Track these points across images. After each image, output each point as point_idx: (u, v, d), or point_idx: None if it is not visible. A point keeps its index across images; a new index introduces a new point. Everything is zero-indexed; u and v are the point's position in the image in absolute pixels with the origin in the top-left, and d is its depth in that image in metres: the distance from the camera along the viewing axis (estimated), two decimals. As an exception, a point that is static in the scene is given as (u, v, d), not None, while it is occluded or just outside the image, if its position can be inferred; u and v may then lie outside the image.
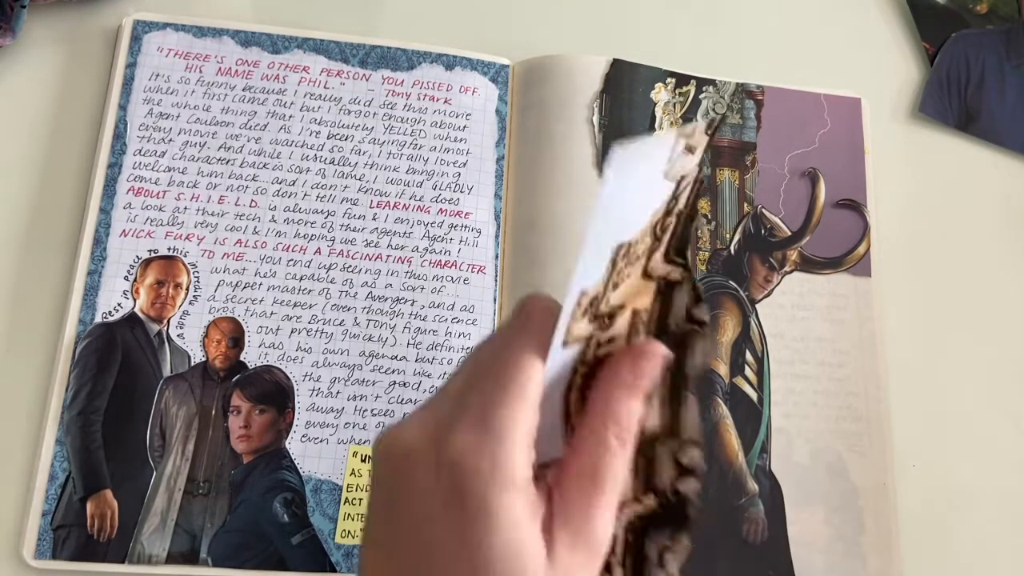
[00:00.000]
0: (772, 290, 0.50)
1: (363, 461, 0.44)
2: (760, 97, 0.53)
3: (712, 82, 0.53)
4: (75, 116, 0.48)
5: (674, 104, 0.52)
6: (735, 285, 0.49)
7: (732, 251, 0.50)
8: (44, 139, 0.47)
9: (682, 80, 0.52)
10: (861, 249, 0.51)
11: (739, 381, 0.47)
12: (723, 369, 0.47)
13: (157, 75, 0.48)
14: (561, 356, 0.31)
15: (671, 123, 0.51)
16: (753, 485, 0.45)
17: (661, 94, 0.52)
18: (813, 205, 0.51)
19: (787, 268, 0.50)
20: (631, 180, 0.31)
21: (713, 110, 0.52)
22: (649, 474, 0.33)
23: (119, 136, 0.47)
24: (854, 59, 0.56)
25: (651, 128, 0.51)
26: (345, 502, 0.43)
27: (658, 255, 0.32)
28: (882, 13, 0.58)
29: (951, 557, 0.46)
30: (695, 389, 0.32)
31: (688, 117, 0.52)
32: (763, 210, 0.51)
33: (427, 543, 0.24)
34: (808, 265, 0.50)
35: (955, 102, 0.55)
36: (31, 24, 0.49)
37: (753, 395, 0.47)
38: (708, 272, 0.49)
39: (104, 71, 0.49)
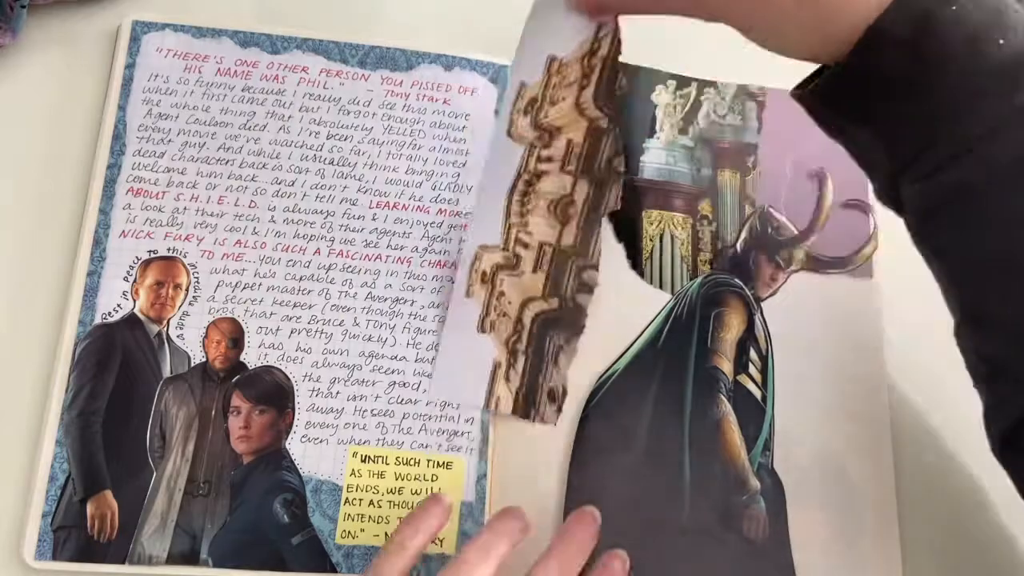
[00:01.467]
0: (778, 289, 0.49)
1: (363, 461, 0.44)
2: (761, 98, 0.53)
3: (713, 84, 0.53)
4: (74, 117, 0.48)
5: (675, 106, 0.52)
6: (740, 283, 0.49)
7: (738, 249, 0.50)
8: (43, 139, 0.47)
9: (683, 82, 0.52)
10: (868, 249, 0.51)
11: (743, 379, 0.47)
12: (727, 366, 0.47)
13: (156, 76, 0.48)
14: (508, 145, 0.43)
15: (672, 125, 0.51)
16: (755, 482, 0.45)
17: (662, 96, 0.52)
18: (820, 204, 0.51)
19: (794, 267, 0.50)
20: (555, 6, 0.40)
21: (714, 112, 0.52)
22: (556, 281, 0.44)
23: (118, 137, 0.47)
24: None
25: (652, 130, 0.51)
26: (345, 502, 0.43)
27: (588, 92, 0.41)
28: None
29: (952, 557, 0.46)
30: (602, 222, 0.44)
31: (689, 118, 0.52)
32: (770, 208, 0.51)
33: None
34: (815, 264, 0.50)
35: (955, 101, 0.55)
36: (31, 24, 0.49)
37: (757, 393, 0.47)
38: (713, 270, 0.49)
39: (103, 72, 0.49)
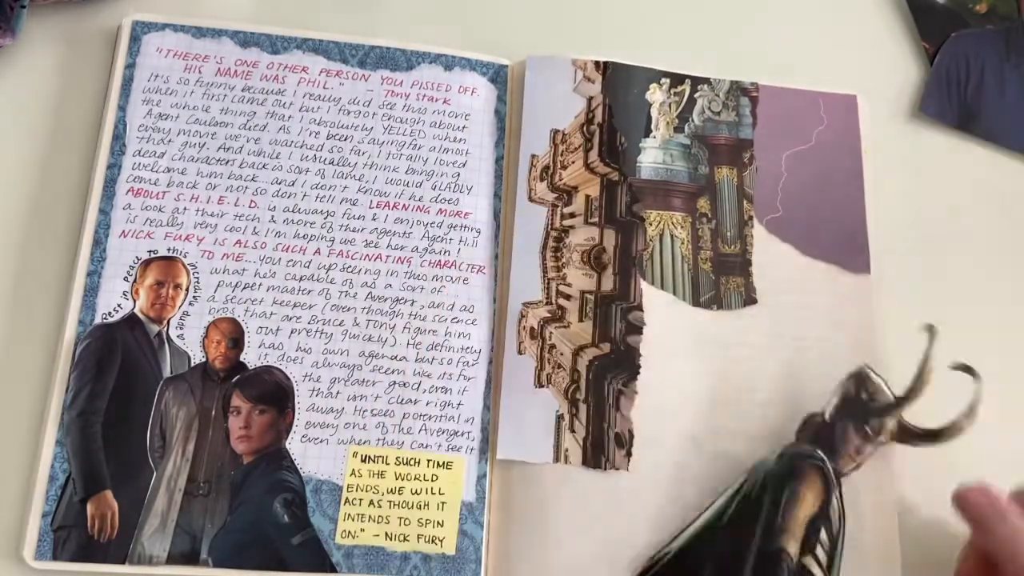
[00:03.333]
0: (862, 463, 0.45)
1: (363, 461, 0.44)
2: (755, 94, 0.53)
3: (707, 80, 0.53)
4: (74, 117, 0.48)
5: (669, 104, 0.52)
6: (822, 455, 0.45)
7: (827, 417, 0.46)
8: (44, 139, 0.47)
9: (676, 80, 0.52)
10: (965, 422, 0.46)
11: (808, 561, 0.43)
12: (793, 546, 0.43)
13: (156, 76, 0.48)
14: (531, 209, 0.48)
15: (667, 124, 0.51)
16: None
17: (656, 94, 0.52)
18: (924, 366, 0.47)
19: (882, 439, 0.46)
20: (549, 86, 0.50)
21: (709, 108, 0.52)
22: (604, 326, 0.46)
23: (118, 137, 0.47)
24: (853, 59, 0.56)
25: (647, 129, 0.51)
26: (345, 502, 0.43)
27: (594, 153, 0.49)
28: (881, 13, 0.58)
29: (951, 557, 0.46)
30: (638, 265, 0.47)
31: (684, 116, 0.52)
32: (867, 369, 0.47)
33: None
34: (905, 436, 0.46)
35: (955, 102, 0.55)
36: (31, 24, 0.49)
37: None
38: (797, 439, 0.46)
39: (103, 72, 0.49)
